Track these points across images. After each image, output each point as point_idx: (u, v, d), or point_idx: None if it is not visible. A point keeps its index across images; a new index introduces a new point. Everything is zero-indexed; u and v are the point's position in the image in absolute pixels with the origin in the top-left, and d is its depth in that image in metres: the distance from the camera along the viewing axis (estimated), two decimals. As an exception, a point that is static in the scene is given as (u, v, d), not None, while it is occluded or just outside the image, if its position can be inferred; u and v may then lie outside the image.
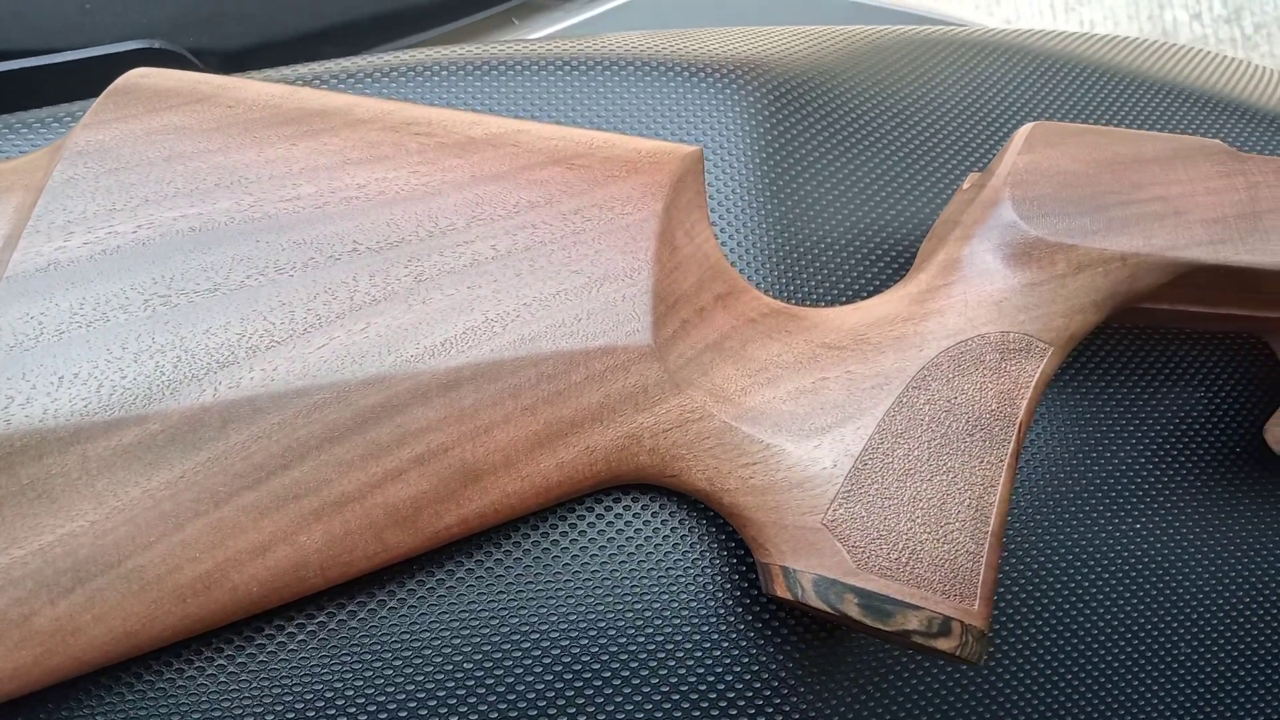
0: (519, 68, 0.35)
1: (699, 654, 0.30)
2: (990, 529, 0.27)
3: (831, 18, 0.47)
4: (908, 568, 0.26)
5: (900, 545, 0.26)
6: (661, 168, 0.28)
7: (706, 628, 0.30)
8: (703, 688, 0.30)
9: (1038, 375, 0.28)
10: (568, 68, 0.35)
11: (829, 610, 0.26)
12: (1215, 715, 0.35)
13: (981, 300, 0.28)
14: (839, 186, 0.35)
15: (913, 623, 0.26)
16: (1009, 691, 0.33)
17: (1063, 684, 0.34)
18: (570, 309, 0.26)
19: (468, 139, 0.27)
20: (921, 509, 0.26)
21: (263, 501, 0.24)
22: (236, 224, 0.25)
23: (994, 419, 0.27)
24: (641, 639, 0.30)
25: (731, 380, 0.27)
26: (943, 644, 0.26)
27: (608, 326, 0.26)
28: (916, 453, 0.27)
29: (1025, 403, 0.28)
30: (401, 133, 0.27)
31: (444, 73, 0.34)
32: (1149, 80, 0.42)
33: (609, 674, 0.30)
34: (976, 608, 0.26)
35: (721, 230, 0.34)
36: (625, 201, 0.27)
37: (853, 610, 0.26)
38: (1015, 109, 0.39)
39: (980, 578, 0.27)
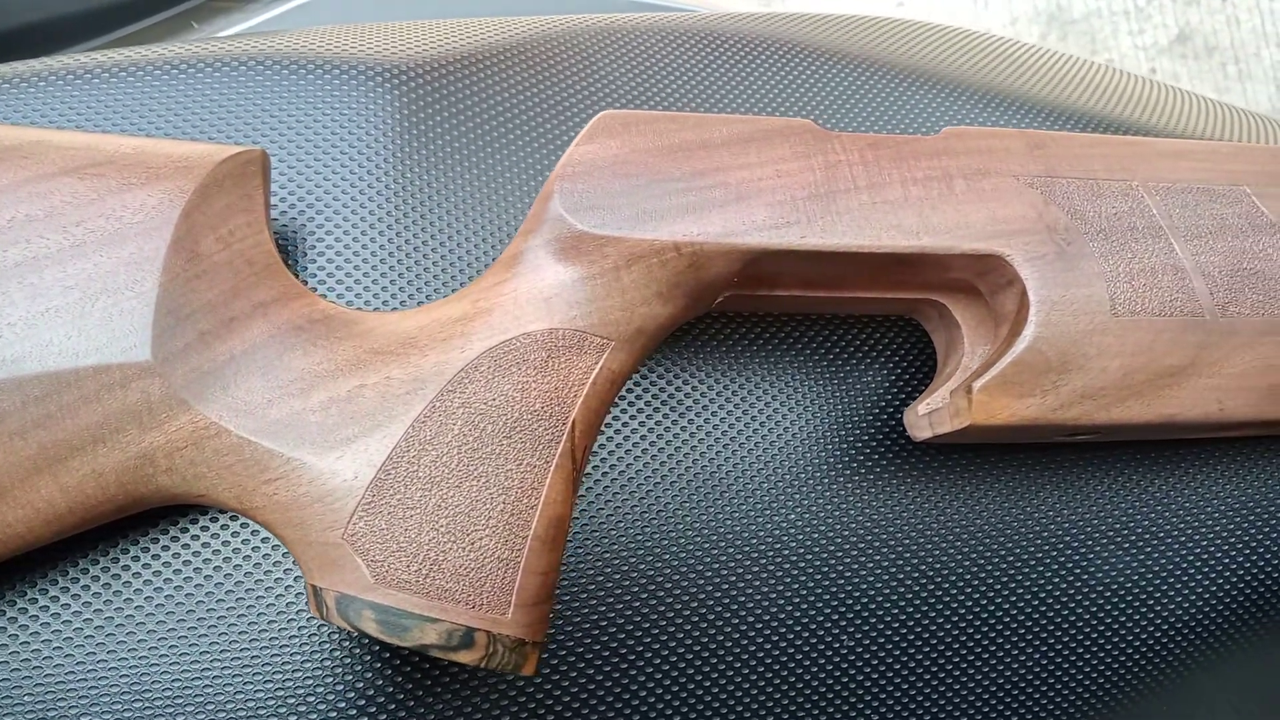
0: (134, 72, 0.34)
1: (279, 676, 0.29)
2: (531, 533, 0.26)
3: (544, 8, 0.46)
4: (428, 579, 0.25)
5: (421, 556, 0.25)
6: (188, 172, 0.27)
7: (289, 649, 0.29)
8: (283, 710, 0.29)
9: (596, 371, 0.27)
10: (181, 70, 0.34)
11: (352, 628, 0.25)
12: (885, 706, 0.34)
13: (531, 297, 0.27)
14: (477, 182, 0.34)
15: (430, 636, 0.25)
16: (645, 694, 0.32)
17: (711, 681, 0.33)
18: (60, 327, 0.25)
19: (-32, 153, 0.26)
20: (447, 518, 0.25)
21: None
22: None
23: (538, 419, 0.26)
24: (219, 664, 0.29)
25: (257, 392, 0.26)
26: (464, 656, 0.25)
27: (102, 343, 0.25)
28: (446, 459, 0.26)
29: (580, 400, 0.27)
30: (-106, 150, 0.26)
31: (42, 83, 0.33)
32: (851, 58, 0.41)
33: (183, 701, 0.28)
34: (510, 616, 0.25)
35: (344, 230, 0.32)
36: (137, 210, 0.26)
37: (370, 627, 0.25)
38: (692, 95, 0.38)
39: (516, 584, 0.26)
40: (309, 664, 0.29)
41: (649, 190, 0.28)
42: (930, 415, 0.31)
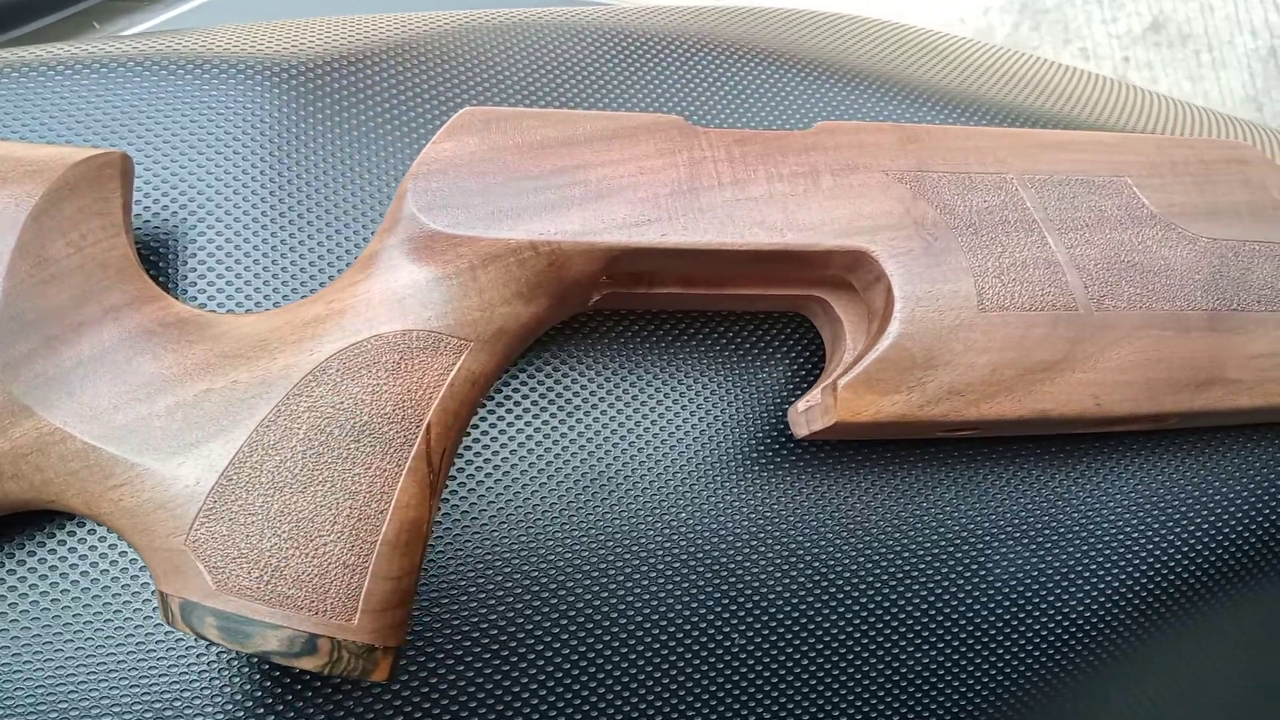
0: (9, 74, 0.33)
1: (146, 681, 0.29)
2: (381, 538, 0.26)
3: (449, 3, 0.46)
4: (270, 586, 0.25)
5: (263, 563, 0.25)
6: (37, 176, 0.27)
7: (155, 653, 0.29)
8: (149, 716, 0.29)
9: (453, 373, 0.27)
10: (57, 72, 0.33)
11: (196, 635, 0.25)
12: (776, 704, 0.34)
13: (385, 298, 0.27)
14: (360, 180, 0.34)
15: (272, 642, 0.25)
16: (529, 695, 0.32)
17: (598, 682, 0.33)
18: (-105, 334, 0.25)
19: None
20: (290, 523, 0.25)
21: None
22: None
23: (389, 423, 0.26)
24: (84, 670, 0.29)
25: (104, 398, 0.26)
26: (307, 663, 0.25)
27: (-60, 350, 0.25)
28: (290, 464, 0.25)
29: (435, 403, 0.27)
30: None
31: (-86, 86, 0.32)
32: (763, 51, 0.41)
33: (46, 707, 0.28)
34: (356, 622, 0.25)
35: (217, 232, 0.32)
36: (-19, 215, 0.26)
37: (212, 633, 0.25)
38: (586, 91, 0.38)
39: (363, 590, 0.25)
40: (175, 669, 0.29)
41: (506, 188, 0.28)
42: (807, 412, 0.31)
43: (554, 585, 0.33)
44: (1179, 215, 0.31)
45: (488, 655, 0.32)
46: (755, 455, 0.35)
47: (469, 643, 0.32)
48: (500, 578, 0.32)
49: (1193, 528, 0.37)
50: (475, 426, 0.33)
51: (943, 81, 0.41)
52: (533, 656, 0.32)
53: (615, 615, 0.33)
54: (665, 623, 0.33)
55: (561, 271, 0.28)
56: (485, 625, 0.32)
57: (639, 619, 0.33)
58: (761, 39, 0.41)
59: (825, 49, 0.42)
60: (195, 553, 0.25)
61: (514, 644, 0.32)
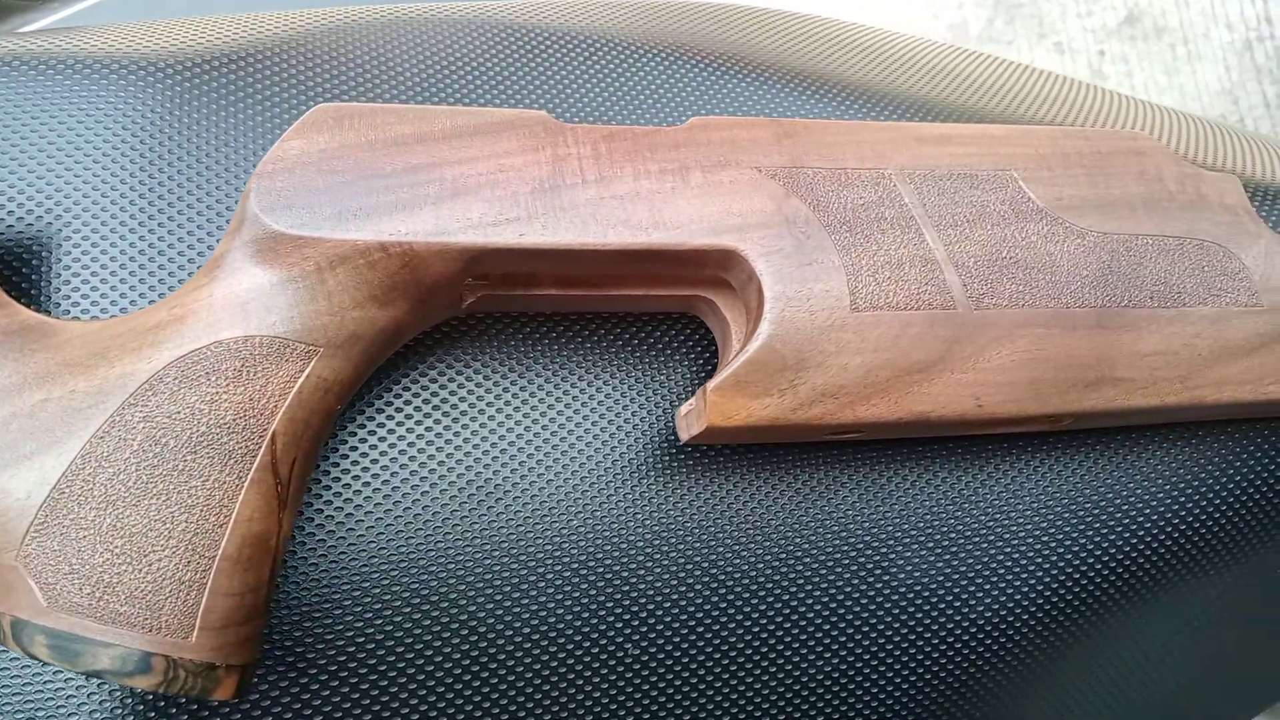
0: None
1: (41, 698, 0.28)
2: (220, 553, 0.25)
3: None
4: (101, 603, 0.24)
5: (94, 579, 0.24)
6: None
7: (9, 671, 0.28)
8: (-1, 737, 0.28)
9: (301, 380, 0.26)
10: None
11: (27, 654, 0.24)
12: (672, 715, 0.33)
13: (227, 302, 0.26)
14: (238, 180, 0.33)
15: (103, 661, 0.24)
16: (408, 711, 0.31)
17: (483, 696, 0.32)
18: None
19: None
20: (122, 538, 0.24)
21: None
22: None
23: (229, 433, 0.25)
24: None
25: (-65, 410, 0.25)
26: (141, 681, 0.24)
27: None
28: (123, 476, 0.25)
29: (281, 412, 0.26)
30: None
31: None
32: (663, 47, 0.40)
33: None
34: (194, 640, 0.24)
35: (83, 235, 0.31)
36: None
37: (42, 652, 0.24)
38: (484, 87, 0.37)
39: (201, 607, 0.24)
40: (30, 686, 0.28)
41: (355, 187, 0.27)
42: (686, 416, 0.30)
43: (436, 597, 0.32)
44: (1067, 209, 0.30)
45: (364, 670, 0.31)
46: (650, 460, 0.34)
47: (344, 657, 0.31)
48: (379, 590, 0.31)
49: (1105, 530, 0.36)
50: (353, 434, 0.32)
51: (849, 74, 0.40)
52: (413, 671, 0.31)
53: (502, 628, 0.32)
54: (555, 634, 0.32)
55: (417, 273, 0.27)
56: (362, 639, 0.31)
57: (527, 630, 0.32)
58: (665, 34, 0.40)
59: (732, 43, 0.41)
60: (26, 569, 0.24)
61: (393, 658, 0.31)
